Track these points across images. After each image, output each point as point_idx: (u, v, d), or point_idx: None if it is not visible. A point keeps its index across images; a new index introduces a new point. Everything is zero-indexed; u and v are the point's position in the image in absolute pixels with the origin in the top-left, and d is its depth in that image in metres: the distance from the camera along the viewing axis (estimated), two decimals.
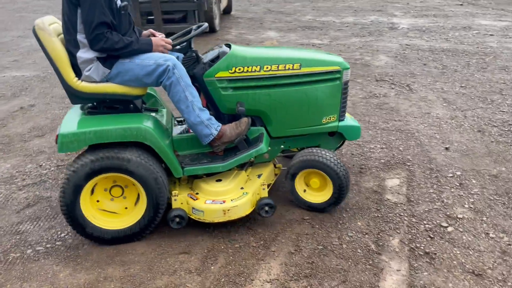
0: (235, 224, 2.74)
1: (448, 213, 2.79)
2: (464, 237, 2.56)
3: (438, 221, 2.71)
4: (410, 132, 3.93)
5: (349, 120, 2.99)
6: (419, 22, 8.19)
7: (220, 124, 2.63)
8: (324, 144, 2.97)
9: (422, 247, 2.49)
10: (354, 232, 2.65)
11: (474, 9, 8.71)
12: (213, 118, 2.63)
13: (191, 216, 2.62)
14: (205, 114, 2.57)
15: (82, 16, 2.38)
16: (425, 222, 2.72)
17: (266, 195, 2.69)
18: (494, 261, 2.35)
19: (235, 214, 2.59)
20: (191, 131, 2.72)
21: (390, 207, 2.88)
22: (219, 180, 2.71)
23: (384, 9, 9.68)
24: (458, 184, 3.10)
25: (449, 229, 2.63)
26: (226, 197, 2.62)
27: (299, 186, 2.83)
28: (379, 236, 2.61)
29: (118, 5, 2.46)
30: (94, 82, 2.50)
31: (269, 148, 2.80)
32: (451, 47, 6.46)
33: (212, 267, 2.42)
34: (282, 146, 2.91)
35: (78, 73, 2.52)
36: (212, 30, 8.25)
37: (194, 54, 2.72)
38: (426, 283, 2.23)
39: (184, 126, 2.95)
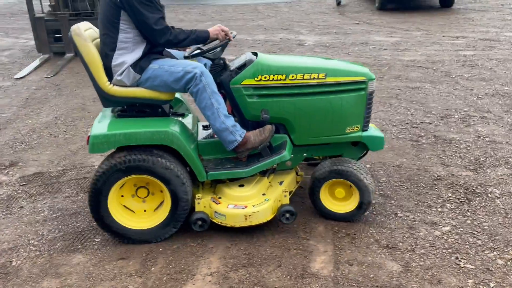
0: None
1: None
2: (377, 218, 2.90)
3: None
4: None
5: (373, 130, 2.99)
6: (323, 38, 8.91)
7: (245, 131, 2.68)
8: (347, 154, 2.98)
9: (343, 230, 2.78)
10: (284, 223, 2.86)
11: (369, 27, 9.73)
12: (237, 125, 2.68)
13: (213, 220, 2.67)
14: (230, 121, 2.63)
15: (134, 15, 2.48)
16: None
17: (288, 202, 2.73)
18: (403, 236, 2.71)
19: (257, 219, 2.64)
20: (216, 136, 2.77)
21: None
22: (242, 186, 2.75)
23: (291, 27, 10.36)
24: (373, 173, 3.49)
25: (366, 213, 2.97)
26: (248, 202, 2.67)
27: (323, 196, 2.84)
28: (306, 225, 2.85)
29: (160, 4, 2.62)
30: (125, 86, 2.60)
31: (292, 155, 2.83)
32: (352, 60, 7.15)
33: (152, 269, 2.47)
34: (305, 154, 2.92)
35: (109, 76, 2.61)
36: None
37: (221, 61, 2.77)
38: (350, 259, 2.51)
39: (209, 131, 2.97)
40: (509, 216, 2.85)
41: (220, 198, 2.72)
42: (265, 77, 2.65)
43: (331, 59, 3.01)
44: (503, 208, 2.93)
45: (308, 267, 2.45)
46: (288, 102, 2.71)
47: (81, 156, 3.96)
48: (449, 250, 2.55)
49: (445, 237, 2.66)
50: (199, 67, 2.57)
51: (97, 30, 2.76)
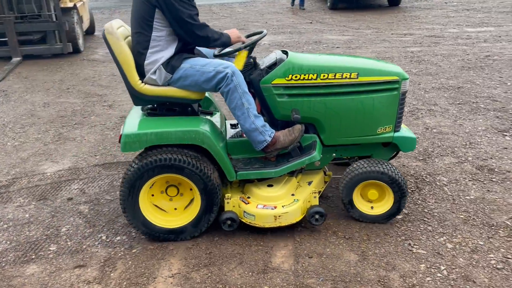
0: (131, 233, 2.77)
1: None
2: (335, 211, 2.98)
3: None
4: None
5: (405, 131, 2.91)
6: (278, 38, 9.02)
7: (274, 131, 2.65)
8: (376, 154, 2.92)
9: (303, 224, 2.83)
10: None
11: (322, 26, 9.95)
12: (267, 125, 2.64)
13: (242, 220, 2.65)
14: (260, 121, 2.60)
15: (170, 13, 2.46)
16: None
17: (317, 203, 2.70)
18: (359, 226, 2.80)
19: (286, 220, 2.61)
20: (244, 135, 2.75)
21: None
22: (271, 186, 2.72)
23: (246, 28, 10.41)
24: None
25: (321, 206, 3.04)
26: (277, 203, 2.64)
27: (356, 198, 2.78)
28: None
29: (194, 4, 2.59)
30: (156, 86, 2.60)
31: (321, 156, 2.77)
32: None
33: (112, 274, 2.42)
34: (334, 154, 2.87)
35: (141, 75, 2.60)
36: (76, 50, 7.91)
37: (251, 60, 2.73)
38: (309, 252, 2.57)
39: (237, 130, 2.95)
40: (456, 202, 3.01)
41: (249, 198, 2.70)
42: (296, 77, 2.61)
43: (363, 58, 2.97)
44: (450, 195, 3.10)
45: (269, 262, 2.49)
46: (319, 101, 2.67)
47: (32, 163, 3.81)
48: (402, 237, 2.66)
49: (398, 225, 2.78)
50: (230, 66, 2.54)
51: (129, 28, 2.72)
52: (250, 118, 2.57)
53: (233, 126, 3.02)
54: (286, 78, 2.61)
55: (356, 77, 2.64)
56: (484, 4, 11.53)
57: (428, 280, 2.30)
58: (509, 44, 7.18)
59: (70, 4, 7.82)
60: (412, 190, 3.18)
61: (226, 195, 2.68)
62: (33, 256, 2.60)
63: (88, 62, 7.53)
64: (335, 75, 2.62)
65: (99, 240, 2.73)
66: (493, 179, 3.28)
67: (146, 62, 2.57)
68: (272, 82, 2.63)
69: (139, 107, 2.82)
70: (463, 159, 3.60)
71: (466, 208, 2.92)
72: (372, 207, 2.80)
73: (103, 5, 15.62)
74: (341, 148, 2.87)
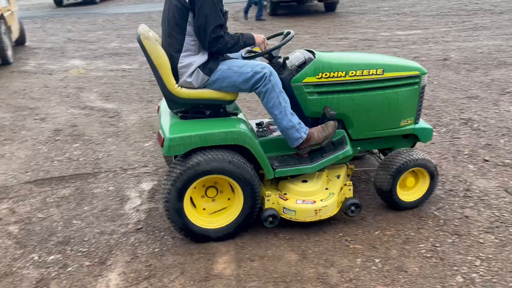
0: (65, 251, 2.65)
1: None
2: None
3: None
4: None
5: (422, 122, 3.07)
6: None
7: (308, 128, 2.71)
8: (397, 146, 3.05)
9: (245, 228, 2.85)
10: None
11: (262, 32, 10.07)
12: (301, 122, 2.69)
13: (282, 216, 2.70)
14: (296, 119, 2.67)
15: (198, 19, 2.46)
16: None
17: (352, 195, 2.81)
18: (300, 226, 2.85)
19: (325, 214, 2.70)
20: (274, 133, 2.87)
21: None
22: (305, 181, 2.79)
23: None
24: None
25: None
26: (315, 197, 2.71)
27: (398, 187, 2.86)
28: None
29: (223, 10, 2.58)
30: (192, 88, 2.61)
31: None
32: None
33: None
34: (358, 148, 2.96)
35: (175, 77, 2.59)
36: (5, 62, 7.47)
37: (279, 60, 2.80)
38: (251, 256, 2.58)
39: (261, 129, 3.01)
40: None
41: (285, 194, 2.75)
42: (326, 75, 2.70)
43: (384, 55, 3.10)
44: None
45: (211, 269, 2.47)
46: (348, 98, 2.76)
47: None
48: (340, 234, 2.75)
49: (336, 222, 2.86)
50: (267, 67, 2.60)
51: (154, 32, 2.69)
52: (287, 116, 2.64)
53: (258, 125, 3.07)
54: (317, 77, 2.70)
55: (382, 73, 2.77)
56: (413, 8, 12.24)
57: (364, 274, 2.39)
58: (435, 46, 7.66)
59: None
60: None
61: (267, 192, 2.73)
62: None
63: (19, 74, 7.14)
64: (362, 72, 2.74)
65: (31, 261, 2.59)
66: None
67: (179, 65, 2.57)
68: (303, 81, 2.71)
69: (168, 111, 2.83)
70: None
71: None
72: (405, 194, 2.94)
73: (35, 14, 14.88)
74: (365, 142, 2.98)
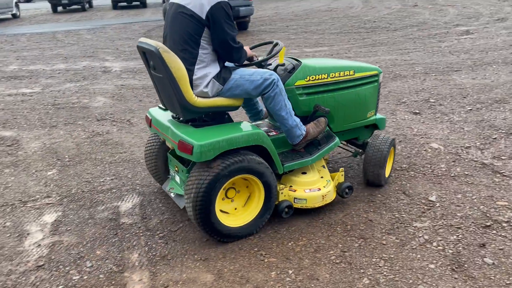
0: None
1: (176, 219, 3.17)
2: (191, 235, 2.96)
3: (169, 228, 3.05)
4: (136, 160, 4.24)
5: (378, 114, 3.61)
6: (130, 64, 8.80)
7: (304, 126, 3.05)
8: (362, 136, 3.56)
9: (158, 253, 2.76)
10: (94, 261, 2.69)
11: None
12: (300, 120, 3.02)
13: (294, 205, 2.98)
14: (297, 118, 3.01)
15: (218, 34, 2.64)
16: (158, 232, 3.01)
17: (343, 179, 3.22)
18: (215, 245, 2.83)
19: (329, 198, 3.07)
20: (269, 134, 3.12)
21: (126, 229, 3.06)
22: (304, 173, 3.13)
23: (95, 55, 9.93)
24: None
25: (178, 231, 3.01)
26: (317, 185, 3.04)
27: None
28: (119, 257, 2.74)
29: None
30: (206, 97, 2.77)
31: None
32: None
33: None
34: None
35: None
36: None
37: (270, 66, 3.14)
38: (165, 282, 2.50)
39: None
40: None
41: (291, 186, 3.04)
42: (313, 77, 3.10)
43: (348, 60, 3.63)
44: None
45: None
46: (330, 96, 3.20)
47: None
48: (255, 249, 2.77)
49: (252, 238, 2.89)
50: (274, 73, 2.87)
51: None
52: (292, 116, 2.96)
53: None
54: (305, 80, 3.09)
55: (353, 73, 3.27)
56: (318, 27, 13.00)
57: (279, 286, 2.43)
58: None
59: None
60: None
61: (280, 186, 2.97)
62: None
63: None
64: (339, 74, 3.20)
65: None
66: None
67: (195, 77, 2.71)
68: (295, 84, 3.07)
69: (173, 121, 2.98)
70: None
71: (308, 212, 3.18)
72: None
73: None
74: (340, 134, 3.42)
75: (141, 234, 2.99)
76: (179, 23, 2.69)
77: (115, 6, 23.36)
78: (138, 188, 3.67)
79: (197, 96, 2.75)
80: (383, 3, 18.91)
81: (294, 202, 3.00)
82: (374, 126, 3.61)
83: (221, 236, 2.80)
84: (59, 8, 23.23)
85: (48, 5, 25.21)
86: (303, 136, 3.04)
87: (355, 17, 14.75)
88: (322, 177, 3.14)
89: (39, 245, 2.88)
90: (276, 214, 2.99)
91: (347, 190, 3.15)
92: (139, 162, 4.18)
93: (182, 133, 2.75)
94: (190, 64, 2.68)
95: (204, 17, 2.60)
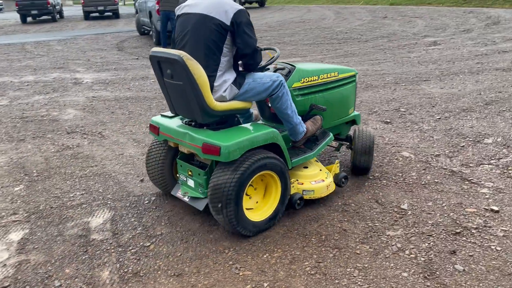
0: None
1: (149, 233, 3.11)
2: (164, 249, 2.91)
3: (141, 243, 2.99)
4: (108, 174, 4.14)
5: (354, 112, 3.97)
6: (102, 76, 8.66)
7: (304, 123, 3.29)
8: (343, 131, 3.91)
9: (130, 270, 2.69)
10: (62, 280, 2.60)
11: (148, 62, 9.93)
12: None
13: (304, 197, 3.22)
14: (300, 116, 3.24)
15: (242, 37, 2.79)
16: (130, 248, 2.94)
17: (339, 170, 3.55)
18: (189, 260, 2.78)
19: (332, 188, 3.36)
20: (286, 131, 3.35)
21: (97, 246, 2.97)
22: (306, 167, 3.39)
23: (65, 66, 9.73)
24: (154, 208, 3.50)
25: (151, 246, 2.95)
26: (320, 177, 3.30)
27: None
28: (89, 275, 2.65)
29: None
30: (224, 101, 2.91)
31: None
32: (134, 95, 7.16)
33: None
34: None
35: None
36: None
37: (270, 70, 3.34)
38: None
39: None
40: (277, 218, 3.25)
41: (297, 180, 3.27)
42: (307, 79, 3.40)
43: (329, 64, 4.14)
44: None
45: None
46: (320, 96, 3.51)
47: None
48: (230, 262, 2.74)
49: (227, 251, 2.86)
50: (280, 76, 3.08)
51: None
52: (296, 114, 3.19)
53: None
54: (301, 82, 3.38)
55: (337, 75, 3.62)
56: (292, 37, 13.16)
57: None
58: None
59: None
60: None
61: (292, 179, 3.20)
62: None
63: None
64: (327, 75, 3.54)
65: None
66: None
67: (216, 83, 2.85)
68: (292, 86, 3.33)
69: (185, 126, 3.09)
70: None
71: (283, 223, 3.18)
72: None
73: None
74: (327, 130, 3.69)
75: (112, 251, 2.91)
76: (203, 32, 2.80)
77: (87, 17, 23.05)
78: (109, 202, 3.58)
79: (217, 101, 2.90)
80: (354, 15, 19.36)
81: (303, 193, 3.24)
82: (353, 121, 3.96)
83: (250, 231, 2.96)
84: (29, 19, 22.74)
85: (17, 16, 24.64)
86: (305, 133, 3.28)
87: (327, 29, 15.02)
88: (320, 170, 3.40)
89: (4, 265, 2.76)
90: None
91: (343, 180, 3.48)
92: (110, 176, 4.09)
93: (205, 136, 2.87)
94: (212, 70, 2.83)
95: (229, 23, 2.77)
